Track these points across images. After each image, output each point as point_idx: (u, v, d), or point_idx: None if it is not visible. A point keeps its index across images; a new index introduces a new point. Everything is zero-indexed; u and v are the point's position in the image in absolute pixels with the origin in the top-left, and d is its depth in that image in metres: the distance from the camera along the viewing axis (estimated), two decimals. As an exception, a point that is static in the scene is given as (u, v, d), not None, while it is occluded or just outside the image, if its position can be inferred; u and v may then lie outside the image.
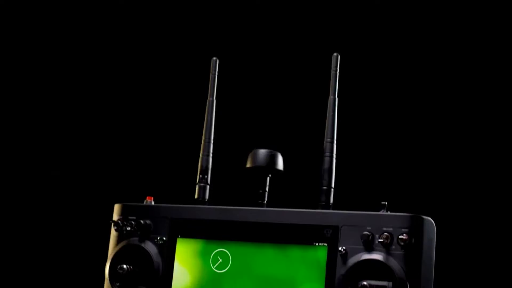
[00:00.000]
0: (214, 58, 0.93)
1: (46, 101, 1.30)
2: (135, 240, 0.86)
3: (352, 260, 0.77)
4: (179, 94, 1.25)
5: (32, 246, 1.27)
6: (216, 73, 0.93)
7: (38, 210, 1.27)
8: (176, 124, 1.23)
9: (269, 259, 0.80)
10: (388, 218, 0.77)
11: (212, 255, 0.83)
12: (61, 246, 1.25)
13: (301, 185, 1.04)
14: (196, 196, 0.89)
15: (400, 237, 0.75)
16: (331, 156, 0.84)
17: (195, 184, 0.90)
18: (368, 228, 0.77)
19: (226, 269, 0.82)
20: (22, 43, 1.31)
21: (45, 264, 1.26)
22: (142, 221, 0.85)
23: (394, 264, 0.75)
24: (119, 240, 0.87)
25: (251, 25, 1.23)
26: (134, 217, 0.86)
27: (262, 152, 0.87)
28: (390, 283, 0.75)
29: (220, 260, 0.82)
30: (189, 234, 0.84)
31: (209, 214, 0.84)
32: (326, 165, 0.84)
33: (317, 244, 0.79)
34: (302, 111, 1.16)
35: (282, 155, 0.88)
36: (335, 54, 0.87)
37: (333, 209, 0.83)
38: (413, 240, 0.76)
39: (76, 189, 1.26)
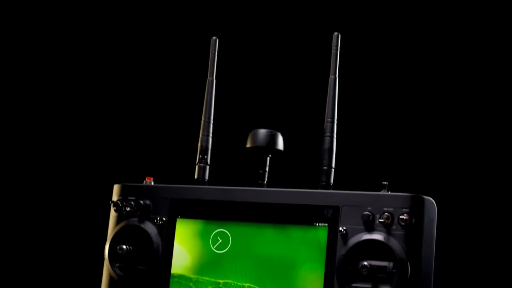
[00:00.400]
0: (214, 38, 0.93)
1: (46, 82, 1.30)
2: (134, 220, 0.85)
3: (352, 240, 0.77)
4: (179, 74, 1.24)
5: (32, 226, 1.27)
6: (216, 53, 0.92)
7: (37, 191, 1.27)
8: (175, 104, 1.23)
9: (269, 240, 0.80)
10: (389, 198, 0.77)
11: (212, 235, 0.83)
12: (61, 226, 1.25)
13: (302, 165, 1.04)
14: (195, 177, 0.89)
15: (400, 217, 0.75)
16: (332, 136, 0.84)
17: (195, 164, 0.89)
18: (369, 208, 0.77)
19: (226, 249, 0.82)
20: (20, 43, 1.30)
21: (44, 245, 1.26)
22: (141, 202, 0.85)
23: (395, 244, 0.75)
24: (118, 220, 0.87)
25: (251, 4, 1.23)
26: (133, 198, 0.86)
27: (262, 132, 0.87)
28: (391, 263, 0.75)
29: (220, 241, 0.82)
30: (188, 214, 0.84)
31: (209, 195, 0.84)
32: (326, 145, 0.84)
33: (317, 224, 0.78)
34: (302, 91, 1.15)
35: (282, 135, 0.88)
36: (335, 33, 0.86)
37: (333, 189, 0.82)
38: (413, 220, 0.76)
39: (76, 170, 1.26)
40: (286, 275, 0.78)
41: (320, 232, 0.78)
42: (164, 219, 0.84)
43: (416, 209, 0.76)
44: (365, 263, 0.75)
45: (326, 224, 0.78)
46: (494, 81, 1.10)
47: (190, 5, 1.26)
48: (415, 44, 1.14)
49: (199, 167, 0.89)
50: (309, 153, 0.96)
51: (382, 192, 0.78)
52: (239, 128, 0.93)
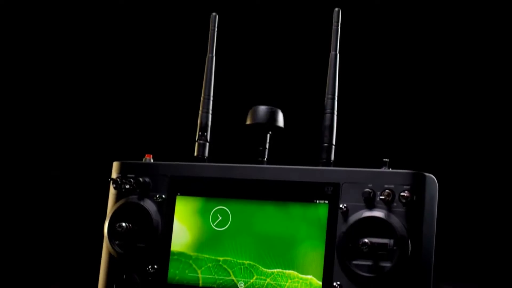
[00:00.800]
0: (214, 14, 0.92)
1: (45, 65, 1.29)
2: (134, 198, 0.85)
3: (353, 218, 0.76)
4: (178, 50, 1.23)
5: (30, 204, 1.27)
6: (216, 29, 0.91)
7: (36, 168, 1.27)
8: (175, 81, 1.22)
9: (269, 217, 0.80)
10: (390, 175, 0.76)
11: (212, 213, 0.82)
12: (60, 204, 1.25)
13: (302, 142, 1.03)
14: (195, 154, 0.89)
15: (401, 194, 0.75)
16: (332, 113, 0.84)
17: (195, 141, 0.89)
18: (370, 185, 0.76)
19: (226, 227, 0.81)
20: (18, 42, 1.29)
21: (43, 222, 1.26)
22: (141, 179, 0.85)
23: (396, 221, 0.75)
24: (117, 198, 0.86)
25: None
26: (133, 175, 0.86)
27: (262, 108, 0.86)
28: (392, 241, 0.74)
29: (220, 218, 0.82)
30: (188, 191, 0.84)
31: (208, 172, 0.84)
32: (327, 122, 0.83)
33: (317, 201, 0.78)
34: (302, 67, 1.15)
35: (282, 111, 0.87)
36: (336, 9, 0.86)
37: (334, 166, 0.82)
38: (414, 197, 0.75)
39: (74, 147, 1.26)
40: (286, 253, 0.78)
41: (321, 209, 0.78)
42: (163, 196, 0.84)
43: (417, 186, 0.76)
44: (366, 240, 0.74)
45: (326, 201, 0.78)
46: (495, 58, 1.10)
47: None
48: (417, 20, 1.13)
49: (199, 144, 0.89)
50: (309, 130, 0.95)
51: (383, 169, 0.77)
52: (239, 105, 0.92)
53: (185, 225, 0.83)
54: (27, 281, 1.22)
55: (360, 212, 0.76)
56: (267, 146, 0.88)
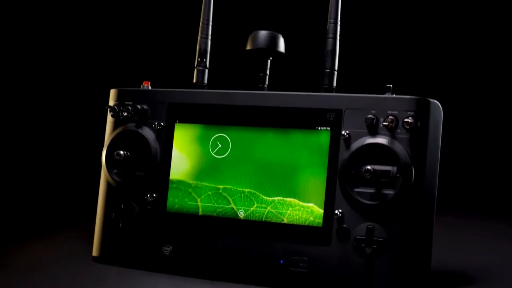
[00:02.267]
0: None
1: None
2: (132, 125, 0.84)
3: (355, 145, 0.75)
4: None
5: (28, 133, 1.26)
6: (214, -49, 0.89)
7: (34, 95, 1.25)
8: (173, 5, 1.20)
9: (270, 144, 0.79)
10: (393, 101, 0.75)
11: (211, 140, 0.81)
12: (56, 133, 1.24)
13: (303, 68, 1.02)
14: (194, 80, 0.87)
15: (405, 120, 0.73)
16: (335, 38, 0.82)
17: (194, 67, 0.87)
18: (372, 111, 0.75)
19: (226, 154, 0.80)
20: None
21: (41, 152, 1.25)
22: (139, 106, 0.84)
23: (399, 148, 0.73)
24: (115, 126, 0.85)
25: None
26: (130, 102, 0.84)
27: (263, 33, 0.85)
28: (395, 168, 0.73)
29: (220, 146, 0.81)
30: (187, 119, 0.82)
31: (208, 99, 0.82)
32: (329, 47, 0.81)
33: (319, 128, 0.77)
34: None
35: (283, 36, 0.85)
36: None
37: (336, 92, 0.81)
38: (418, 123, 0.74)
39: (71, 75, 1.24)
40: (287, 180, 0.77)
41: (322, 136, 0.76)
42: (162, 124, 0.83)
43: (421, 112, 0.74)
44: (368, 167, 0.73)
45: (328, 128, 0.76)
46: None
47: None
48: None
49: (198, 71, 0.87)
50: (311, 56, 0.94)
51: (386, 95, 0.76)
52: (239, 30, 0.90)
53: (184, 153, 0.82)
54: (25, 210, 1.22)
55: (363, 138, 0.75)
56: (267, 72, 0.87)
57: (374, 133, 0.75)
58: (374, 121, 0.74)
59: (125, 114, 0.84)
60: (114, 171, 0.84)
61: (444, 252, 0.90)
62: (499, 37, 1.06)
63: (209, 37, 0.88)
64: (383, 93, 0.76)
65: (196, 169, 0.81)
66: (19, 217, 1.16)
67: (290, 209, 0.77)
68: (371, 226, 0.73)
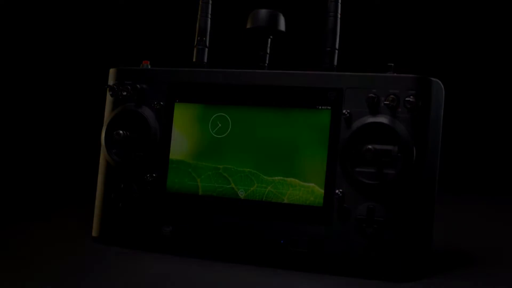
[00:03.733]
0: None
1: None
2: (131, 105, 0.83)
3: (356, 124, 0.74)
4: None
5: (29, 113, 1.26)
6: None
7: (34, 75, 1.25)
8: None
9: (270, 124, 0.78)
10: (395, 80, 0.74)
11: (211, 119, 0.81)
12: (55, 112, 1.24)
13: (304, 47, 1.01)
14: (194, 59, 0.86)
15: (407, 99, 0.73)
16: (336, 16, 0.81)
17: (193, 46, 0.87)
18: (374, 90, 0.74)
19: (226, 134, 0.80)
20: None
21: (41, 130, 1.25)
22: (138, 86, 0.83)
23: (400, 127, 0.73)
24: (114, 105, 0.85)
25: None
26: (130, 82, 0.84)
27: (263, 12, 0.84)
28: (396, 147, 0.73)
29: (220, 125, 0.80)
30: (187, 98, 0.82)
31: (208, 78, 0.81)
32: (330, 26, 0.81)
33: (320, 107, 0.76)
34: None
35: (284, 15, 0.85)
36: None
37: (337, 71, 0.80)
38: (420, 103, 0.73)
39: (70, 54, 1.24)
40: (288, 160, 0.77)
41: (323, 115, 0.76)
42: (161, 103, 0.82)
43: (423, 91, 0.73)
44: (369, 146, 0.73)
45: (329, 107, 0.76)
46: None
47: None
48: None
49: (198, 50, 0.86)
50: (311, 34, 0.93)
51: (387, 74, 0.75)
52: (239, 8, 0.90)
53: (184, 132, 0.82)
54: (24, 190, 1.22)
55: (364, 118, 0.74)
56: (268, 51, 0.86)
57: (375, 112, 0.74)
58: (375, 100, 0.74)
59: (124, 93, 0.83)
60: (114, 151, 0.83)
61: (445, 232, 0.90)
62: (501, 16, 1.06)
63: (209, 16, 0.87)
64: (385, 72, 0.76)
65: (196, 149, 0.81)
66: (19, 197, 1.16)
67: (291, 189, 0.76)
68: (371, 206, 0.73)
